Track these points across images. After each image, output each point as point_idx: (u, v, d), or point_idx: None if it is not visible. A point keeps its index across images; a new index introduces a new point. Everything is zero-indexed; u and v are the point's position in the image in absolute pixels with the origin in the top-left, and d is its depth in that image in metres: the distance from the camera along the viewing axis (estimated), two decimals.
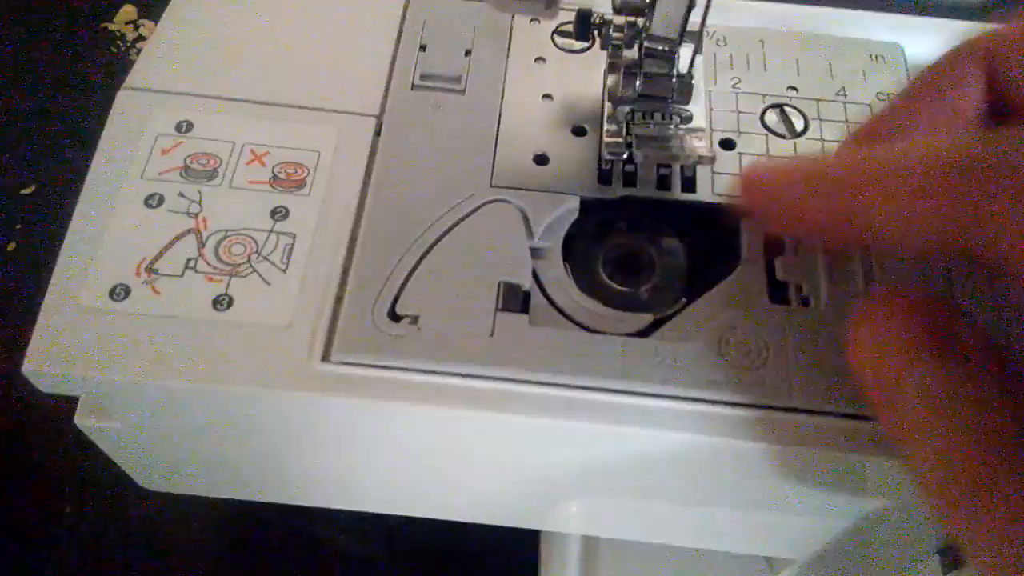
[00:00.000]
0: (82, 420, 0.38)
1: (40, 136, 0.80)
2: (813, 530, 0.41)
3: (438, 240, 0.36)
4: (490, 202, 0.38)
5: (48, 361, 0.33)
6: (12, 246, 0.73)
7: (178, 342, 0.33)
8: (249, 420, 0.36)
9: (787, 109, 0.41)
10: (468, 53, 0.43)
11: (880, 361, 0.26)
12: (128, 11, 0.89)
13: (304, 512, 0.48)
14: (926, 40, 0.45)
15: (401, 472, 0.41)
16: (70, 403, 0.38)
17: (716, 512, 0.41)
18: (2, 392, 0.64)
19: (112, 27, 0.88)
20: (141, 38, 0.87)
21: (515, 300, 0.35)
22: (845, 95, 0.42)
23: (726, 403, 0.33)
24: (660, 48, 0.36)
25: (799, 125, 0.41)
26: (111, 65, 0.85)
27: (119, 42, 0.87)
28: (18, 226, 0.74)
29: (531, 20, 0.45)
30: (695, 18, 0.35)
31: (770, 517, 0.41)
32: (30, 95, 0.83)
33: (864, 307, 0.27)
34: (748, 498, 0.39)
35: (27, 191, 0.76)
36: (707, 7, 0.34)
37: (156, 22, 0.90)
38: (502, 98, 0.41)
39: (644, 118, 0.38)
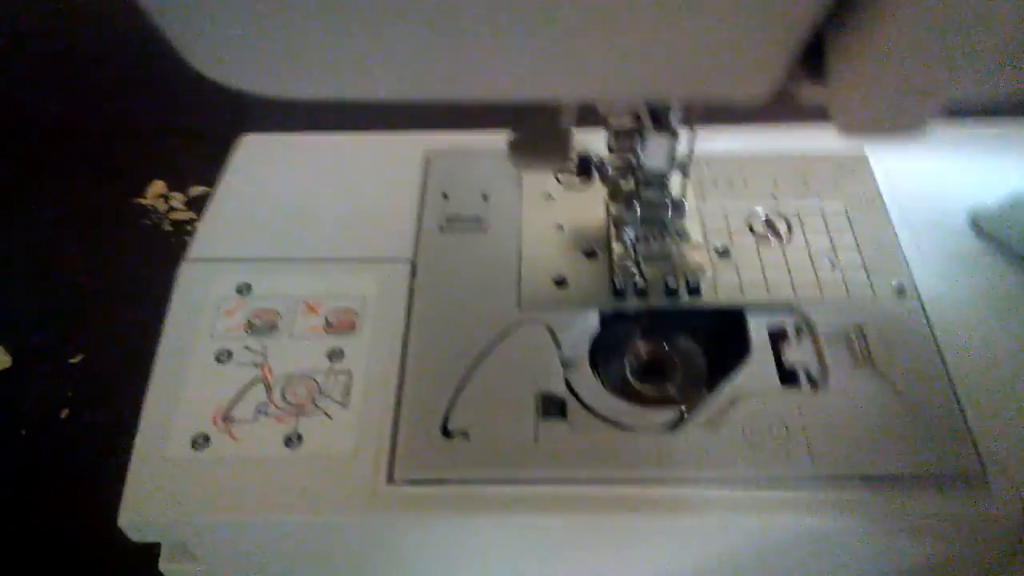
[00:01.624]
0: (165, 565, 0.41)
1: (83, 310, 0.86)
2: None
3: (478, 362, 0.41)
4: (520, 323, 0.42)
5: (141, 510, 0.37)
6: (65, 413, 0.77)
7: (256, 480, 0.37)
8: (326, 547, 0.39)
9: (771, 218, 0.47)
10: (485, 197, 0.49)
11: None
12: (158, 186, 0.97)
13: None
14: (891, 150, 0.51)
15: None
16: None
17: None
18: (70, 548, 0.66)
19: (144, 202, 0.96)
20: (172, 209, 0.95)
21: (554, 407, 0.39)
22: (821, 203, 0.48)
23: (758, 483, 0.36)
24: (653, 177, 0.42)
25: (783, 229, 0.46)
26: (146, 237, 0.92)
27: (151, 215, 0.95)
28: (69, 394, 0.78)
29: None
30: (682, 148, 0.41)
31: None
32: (68, 272, 0.89)
33: None
34: None
35: (74, 361, 0.81)
36: (692, 141, 0.40)
37: (185, 194, 0.97)
38: (520, 232, 0.47)
39: (647, 240, 0.43)
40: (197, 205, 0.95)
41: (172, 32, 0.21)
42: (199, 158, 0.97)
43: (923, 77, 0.20)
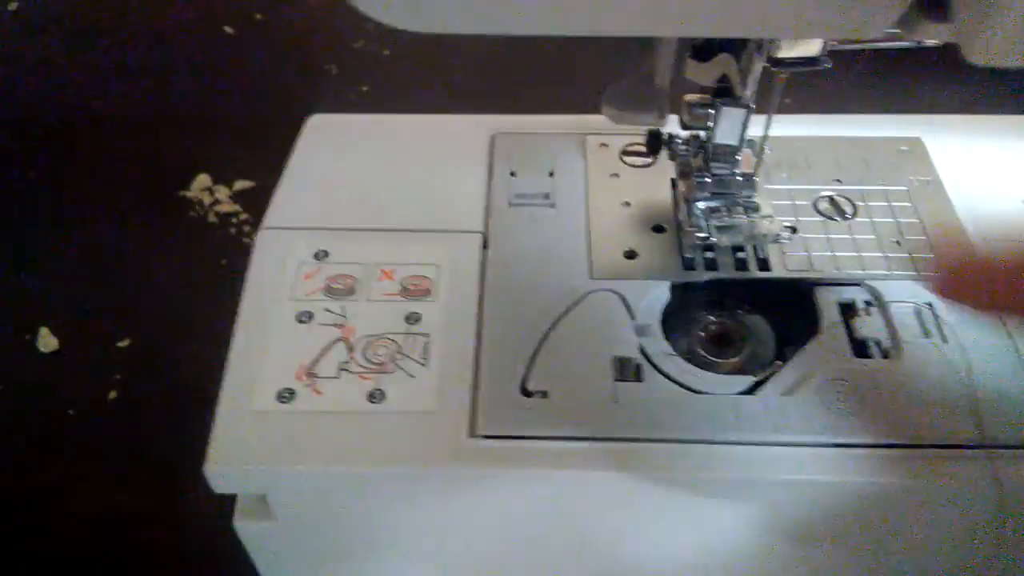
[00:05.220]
0: (240, 522, 0.42)
1: (130, 296, 0.87)
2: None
3: (553, 326, 0.42)
4: (592, 292, 0.43)
5: (228, 460, 0.38)
6: (113, 395, 0.78)
7: (342, 433, 0.38)
8: (402, 505, 0.40)
9: (836, 198, 0.48)
10: (552, 174, 0.50)
11: None
12: (203, 179, 0.99)
13: None
14: (942, 132, 0.53)
15: (543, 548, 0.43)
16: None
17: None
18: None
19: (189, 195, 0.98)
20: (217, 202, 0.96)
21: (629, 371, 0.40)
22: (883, 182, 0.49)
23: (842, 445, 0.37)
24: (723, 152, 0.43)
25: (849, 210, 0.47)
26: (191, 228, 0.94)
27: (197, 207, 0.96)
28: (117, 376, 0.79)
29: (600, 145, 0.52)
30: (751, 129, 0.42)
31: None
32: (116, 260, 0.91)
33: None
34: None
35: (122, 344, 0.82)
36: (769, 121, 0.41)
37: (229, 187, 0.99)
38: (588, 208, 0.48)
39: (717, 214, 0.44)
40: (242, 199, 0.97)
41: None
42: (242, 153, 1.00)
43: None
